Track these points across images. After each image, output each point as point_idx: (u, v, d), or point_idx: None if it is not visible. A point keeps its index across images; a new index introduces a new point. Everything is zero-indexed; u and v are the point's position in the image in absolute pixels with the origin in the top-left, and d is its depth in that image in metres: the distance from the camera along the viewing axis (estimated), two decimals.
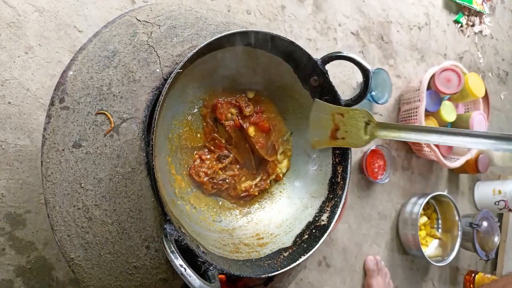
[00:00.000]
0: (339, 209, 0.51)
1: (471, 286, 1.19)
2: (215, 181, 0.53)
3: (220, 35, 0.44)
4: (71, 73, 0.42)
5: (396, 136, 0.49)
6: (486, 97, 1.21)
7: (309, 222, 0.53)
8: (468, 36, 1.30)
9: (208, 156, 0.54)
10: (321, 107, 0.53)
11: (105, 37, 0.44)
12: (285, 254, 0.49)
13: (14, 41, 0.60)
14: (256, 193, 0.57)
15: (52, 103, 0.41)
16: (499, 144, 0.44)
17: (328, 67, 0.52)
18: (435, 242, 1.10)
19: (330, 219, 0.51)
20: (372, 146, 0.96)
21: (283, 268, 0.45)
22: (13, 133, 0.60)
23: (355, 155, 0.98)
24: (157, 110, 0.39)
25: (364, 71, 0.52)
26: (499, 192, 1.18)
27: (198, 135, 0.54)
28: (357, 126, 0.51)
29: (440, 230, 1.11)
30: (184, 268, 0.34)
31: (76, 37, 0.65)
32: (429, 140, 0.47)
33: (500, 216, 1.32)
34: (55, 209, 0.40)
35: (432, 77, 0.99)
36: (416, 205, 1.03)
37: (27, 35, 0.61)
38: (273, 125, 0.58)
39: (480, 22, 1.32)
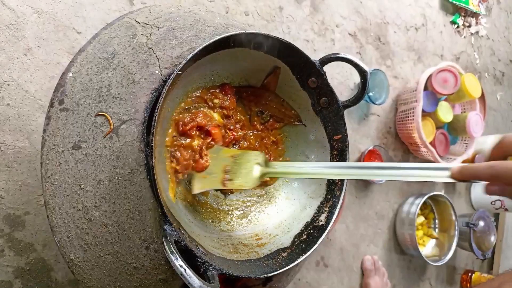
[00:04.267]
0: (337, 210, 0.51)
1: (468, 285, 1.20)
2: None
3: (218, 37, 0.44)
4: (70, 74, 0.42)
5: (286, 173, 0.49)
6: (482, 98, 1.22)
7: (308, 222, 0.53)
8: (464, 37, 1.30)
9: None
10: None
11: (104, 39, 0.45)
12: (284, 254, 0.49)
13: (13, 43, 0.60)
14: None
15: (51, 105, 0.42)
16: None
17: (326, 68, 0.52)
18: (432, 241, 1.11)
19: (328, 219, 0.52)
20: (369, 146, 0.97)
21: (281, 268, 0.45)
22: (12, 135, 0.60)
23: (353, 155, 0.99)
24: (156, 112, 0.39)
25: (362, 72, 0.52)
26: None
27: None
28: (248, 168, 0.49)
29: (437, 230, 1.12)
30: (184, 269, 0.35)
31: (74, 39, 0.66)
32: (320, 175, 0.47)
33: (497, 216, 1.33)
34: (54, 210, 0.40)
35: (429, 78, 0.99)
36: (413, 205, 1.04)
37: (26, 37, 0.62)
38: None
39: (477, 23, 1.33)
